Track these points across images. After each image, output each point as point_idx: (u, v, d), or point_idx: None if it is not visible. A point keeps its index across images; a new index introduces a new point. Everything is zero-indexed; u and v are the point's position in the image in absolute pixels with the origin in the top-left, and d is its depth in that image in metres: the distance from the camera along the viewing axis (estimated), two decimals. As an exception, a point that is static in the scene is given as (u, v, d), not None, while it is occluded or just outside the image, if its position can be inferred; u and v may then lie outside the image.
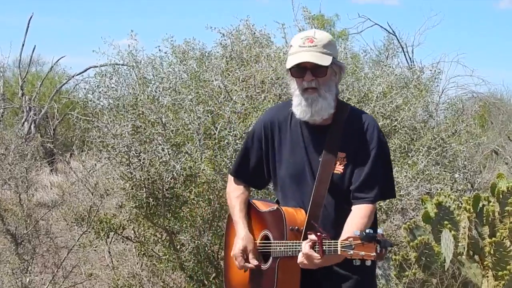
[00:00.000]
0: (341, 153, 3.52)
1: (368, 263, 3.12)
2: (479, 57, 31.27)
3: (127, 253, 7.60)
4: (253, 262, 3.64)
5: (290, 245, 3.47)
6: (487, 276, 5.26)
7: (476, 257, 5.39)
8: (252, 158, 3.77)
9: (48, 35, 39.87)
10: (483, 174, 10.01)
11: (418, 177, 6.36)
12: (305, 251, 3.32)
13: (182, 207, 6.31)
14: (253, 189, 4.17)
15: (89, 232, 7.20)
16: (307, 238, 3.37)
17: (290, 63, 3.50)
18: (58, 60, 18.17)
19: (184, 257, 6.30)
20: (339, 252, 3.17)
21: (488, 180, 8.93)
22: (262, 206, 3.78)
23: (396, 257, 5.43)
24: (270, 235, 3.63)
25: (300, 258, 3.36)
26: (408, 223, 5.63)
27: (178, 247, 6.52)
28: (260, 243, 3.69)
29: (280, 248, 3.53)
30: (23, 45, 17.35)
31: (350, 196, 3.53)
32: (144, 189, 6.27)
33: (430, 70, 8.06)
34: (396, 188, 5.91)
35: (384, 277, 5.84)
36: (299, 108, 3.50)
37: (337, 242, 3.19)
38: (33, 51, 18.22)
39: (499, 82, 29.84)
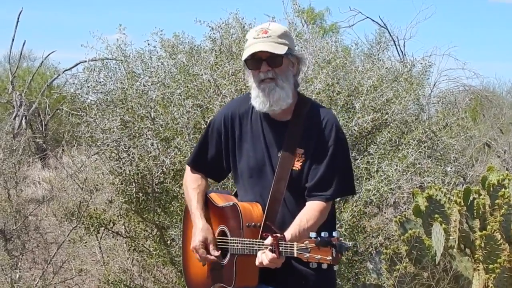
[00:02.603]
0: (300, 149, 3.53)
1: (325, 266, 3.14)
2: (471, 50, 31.33)
3: (118, 248, 7.58)
4: (214, 254, 3.61)
5: (247, 243, 3.47)
6: (478, 270, 5.25)
7: (467, 250, 5.39)
8: (211, 150, 3.75)
9: (38, 30, 39.78)
10: (475, 167, 10.02)
11: (409, 171, 6.34)
12: (265, 262, 3.31)
13: (172, 202, 6.29)
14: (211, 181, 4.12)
15: (79, 227, 7.19)
16: (263, 237, 3.38)
17: (245, 55, 3.49)
18: (49, 55, 18.16)
19: (175, 252, 6.28)
20: (295, 255, 3.18)
21: (480, 173, 8.92)
22: (219, 200, 3.75)
23: (387, 250, 5.43)
24: (227, 230, 3.62)
25: (258, 262, 3.36)
26: (399, 216, 5.63)
27: (169, 242, 6.50)
28: (217, 238, 3.67)
29: (237, 246, 3.51)
30: (13, 40, 17.33)
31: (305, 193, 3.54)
32: (133, 184, 6.24)
33: (422, 63, 8.03)
34: (386, 182, 5.95)
35: (375, 271, 5.84)
36: (257, 100, 3.51)
37: (293, 245, 3.19)
38: (23, 46, 18.19)
39: (491, 75, 30.03)
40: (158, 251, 6.66)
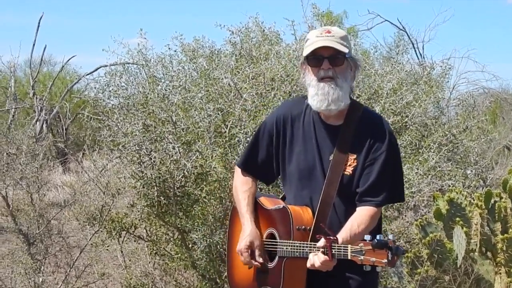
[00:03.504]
0: (352, 154, 3.52)
1: (379, 269, 3.11)
2: (490, 52, 31.15)
3: (139, 252, 7.61)
4: (259, 260, 3.62)
5: (297, 246, 3.46)
6: (500, 273, 5.24)
7: (489, 253, 5.38)
8: (262, 151, 3.76)
9: (59, 35, 40.01)
10: (495, 170, 9.98)
11: (429, 174, 6.34)
12: (317, 264, 3.29)
13: (194, 206, 6.30)
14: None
15: (101, 231, 7.20)
16: (314, 239, 3.36)
17: (307, 51, 3.52)
18: (69, 59, 18.27)
19: (196, 255, 6.30)
20: (349, 257, 3.14)
21: (500, 176, 8.89)
22: (268, 203, 3.75)
23: (408, 254, 5.42)
24: (276, 233, 3.62)
25: (309, 264, 3.34)
26: (419, 220, 5.62)
27: (190, 245, 6.51)
28: (265, 241, 3.67)
29: (286, 248, 3.51)
30: (33, 45, 17.44)
31: (355, 198, 3.52)
32: (155, 187, 6.26)
33: (441, 66, 8.02)
34: (407, 185, 5.95)
35: (397, 274, 5.83)
36: (315, 98, 3.50)
37: (347, 247, 3.16)
38: (43, 51, 18.31)
39: (511, 77, 29.75)
40: (179, 254, 6.67)
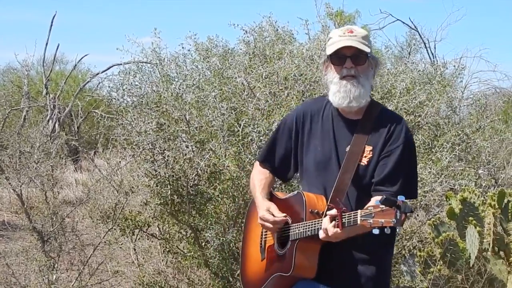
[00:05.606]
0: (368, 146, 3.59)
1: (388, 231, 3.13)
2: (502, 52, 31.03)
3: (152, 250, 7.65)
4: (281, 215, 3.69)
5: (309, 225, 3.53)
6: (513, 272, 5.24)
7: (502, 253, 5.37)
8: (281, 147, 3.86)
9: (72, 34, 40.13)
10: (507, 170, 9.95)
11: (442, 173, 6.34)
12: (324, 226, 3.37)
13: (207, 204, 6.32)
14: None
15: (115, 229, 7.23)
16: (329, 208, 3.47)
17: (330, 50, 3.62)
18: (82, 58, 18.33)
19: (209, 254, 6.31)
20: (358, 222, 3.20)
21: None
22: (282, 195, 3.88)
23: (421, 253, 5.42)
24: (290, 219, 3.68)
25: (321, 233, 3.41)
26: (432, 219, 5.62)
27: (203, 244, 6.53)
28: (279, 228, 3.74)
29: (299, 230, 3.58)
30: (46, 43, 17.49)
31: (371, 189, 3.58)
32: (168, 186, 6.28)
33: (454, 66, 8.01)
34: (420, 184, 5.95)
35: (409, 273, 5.84)
36: (337, 94, 3.61)
37: (356, 212, 3.23)
38: (56, 49, 18.38)
39: (522, 77, 29.57)
40: (192, 253, 6.69)
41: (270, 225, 3.72)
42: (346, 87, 3.57)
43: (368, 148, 3.59)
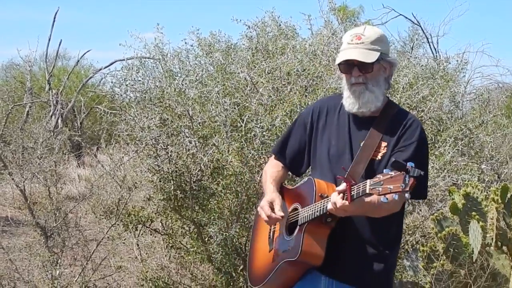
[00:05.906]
0: (383, 142, 3.62)
1: (396, 197, 3.11)
2: (504, 47, 30.97)
3: (155, 245, 7.65)
4: (279, 213, 3.70)
5: (318, 205, 3.53)
6: (516, 267, 5.24)
7: (505, 248, 5.38)
8: (295, 141, 3.90)
9: (74, 29, 40.13)
10: (510, 165, 9.94)
11: (445, 168, 6.34)
12: (333, 199, 3.37)
13: (210, 199, 6.32)
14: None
15: (118, 225, 7.24)
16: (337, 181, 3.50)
17: (338, 60, 3.66)
18: (84, 54, 18.38)
19: (212, 249, 6.31)
20: (367, 191, 3.19)
21: (515, 171, 8.88)
22: (292, 186, 3.96)
23: (424, 248, 5.43)
24: (299, 206, 3.71)
25: (329, 205, 3.41)
26: (435, 214, 5.63)
27: (206, 239, 6.53)
28: (289, 214, 3.76)
29: (307, 212, 3.59)
30: (49, 39, 17.50)
31: None
32: (171, 181, 6.28)
33: (457, 61, 8.01)
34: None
35: (412, 268, 5.84)
36: (348, 100, 3.65)
37: (365, 182, 3.22)
38: (59, 45, 18.44)
39: (525, 72, 29.51)
40: (195, 248, 6.69)
41: (265, 218, 3.73)
42: (355, 94, 3.61)
43: (384, 144, 3.62)
